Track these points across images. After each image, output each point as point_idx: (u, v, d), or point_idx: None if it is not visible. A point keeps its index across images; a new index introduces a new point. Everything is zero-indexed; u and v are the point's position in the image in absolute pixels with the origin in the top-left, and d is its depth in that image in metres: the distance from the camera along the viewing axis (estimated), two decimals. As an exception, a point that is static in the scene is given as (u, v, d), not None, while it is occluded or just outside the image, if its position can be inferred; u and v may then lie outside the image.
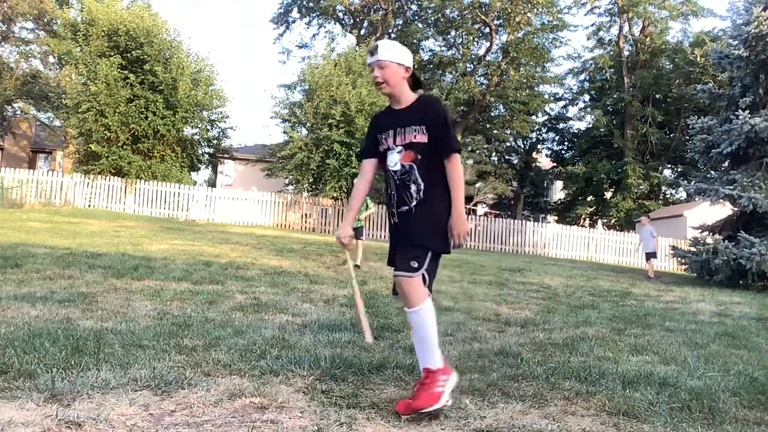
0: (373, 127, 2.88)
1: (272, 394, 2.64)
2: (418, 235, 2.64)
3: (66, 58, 20.76)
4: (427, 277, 2.62)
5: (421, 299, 2.57)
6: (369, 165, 2.87)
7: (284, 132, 21.33)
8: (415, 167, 2.67)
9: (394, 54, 2.69)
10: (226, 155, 25.06)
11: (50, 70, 27.55)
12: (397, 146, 2.73)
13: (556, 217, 36.21)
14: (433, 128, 2.67)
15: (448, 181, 2.67)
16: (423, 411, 2.44)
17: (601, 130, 32.46)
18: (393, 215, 2.75)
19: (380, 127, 2.81)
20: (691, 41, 31.20)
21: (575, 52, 55.88)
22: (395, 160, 2.71)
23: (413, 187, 2.66)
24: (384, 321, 4.66)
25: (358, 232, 9.46)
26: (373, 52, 2.70)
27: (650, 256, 13.45)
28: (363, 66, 21.07)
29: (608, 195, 33.35)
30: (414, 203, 2.66)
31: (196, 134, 21.44)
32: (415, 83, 2.79)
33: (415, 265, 2.57)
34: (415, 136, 2.67)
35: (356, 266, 9.11)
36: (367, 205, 9.70)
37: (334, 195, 20.17)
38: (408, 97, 2.76)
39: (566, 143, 37.62)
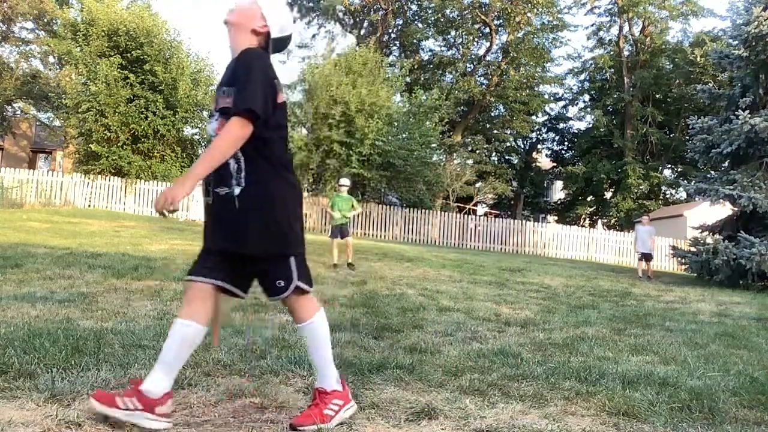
0: None
1: (272, 394, 2.64)
2: (267, 240, 2.19)
3: (66, 58, 20.77)
4: (305, 286, 2.28)
5: (310, 312, 2.32)
6: None
7: (284, 132, 21.31)
8: None
9: (268, 3, 2.30)
10: (226, 155, 25.03)
11: (50, 70, 27.56)
12: (216, 113, 2.27)
13: (556, 217, 36.21)
14: (235, 87, 2.17)
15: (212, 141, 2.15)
16: (304, 428, 2.23)
17: (601, 130, 32.47)
18: (208, 194, 2.27)
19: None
20: (691, 41, 31.20)
21: (575, 52, 56.02)
22: (213, 128, 2.26)
23: (232, 163, 2.18)
24: (384, 321, 4.66)
25: (344, 231, 9.44)
26: None
27: (648, 257, 13.38)
28: (363, 66, 21.07)
29: (608, 195, 33.36)
30: (237, 189, 2.18)
31: (196, 134, 21.46)
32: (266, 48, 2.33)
33: (282, 284, 2.24)
34: (225, 100, 2.20)
35: (350, 264, 9.14)
36: (353, 205, 9.72)
37: (332, 195, 20.16)
38: (237, 51, 2.27)
39: (566, 143, 37.64)
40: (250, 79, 2.14)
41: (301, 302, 2.31)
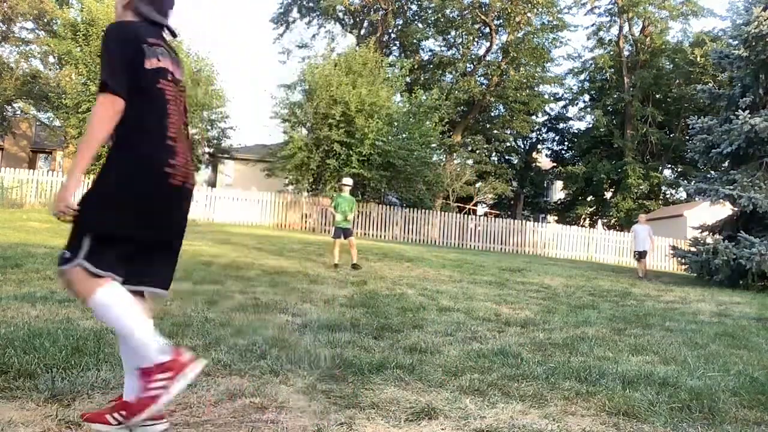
0: None
1: (272, 394, 2.64)
2: (81, 204, 2.05)
3: (66, 58, 20.76)
4: (91, 267, 2.03)
5: (90, 290, 2.03)
6: None
7: (284, 132, 21.36)
8: None
9: None
10: (226, 155, 25.06)
11: (50, 70, 27.54)
12: None
13: (556, 217, 36.21)
14: None
15: None
16: (137, 418, 2.00)
17: (601, 130, 32.48)
18: None
19: None
20: (691, 41, 31.21)
21: (575, 52, 56.07)
22: None
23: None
24: (384, 321, 4.66)
25: (347, 231, 9.37)
26: None
27: (644, 255, 13.48)
28: (363, 66, 21.07)
29: (608, 195, 33.36)
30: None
31: (196, 134, 21.45)
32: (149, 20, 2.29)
33: (67, 255, 2.07)
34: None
35: (355, 265, 8.98)
36: (351, 207, 9.57)
37: (334, 195, 20.17)
38: None
39: (566, 143, 37.64)
40: (102, 52, 2.12)
41: (77, 281, 2.05)
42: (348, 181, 10.12)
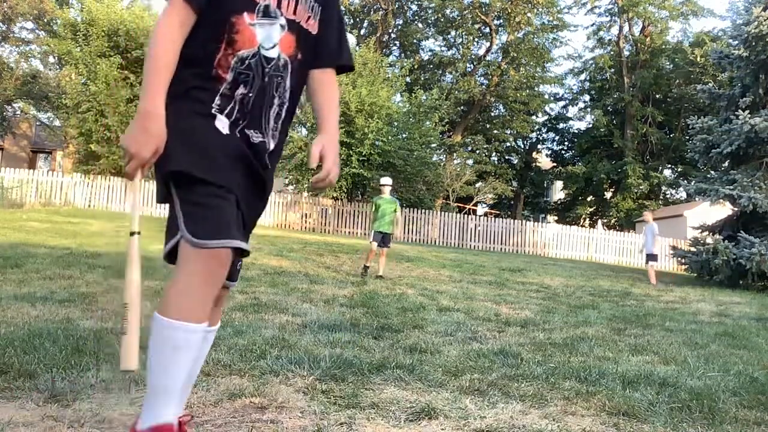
0: None
1: (272, 394, 2.64)
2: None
3: (66, 58, 20.76)
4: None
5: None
6: (191, 18, 1.49)
7: (284, 132, 21.34)
8: (290, 66, 1.58)
9: None
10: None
11: (50, 70, 27.58)
12: (282, 15, 1.55)
13: (556, 217, 36.22)
14: (331, 17, 1.67)
15: (329, 103, 1.66)
16: None
17: (601, 130, 32.49)
18: (244, 136, 1.53)
19: None
20: (691, 41, 31.24)
21: (575, 52, 56.18)
22: (274, 39, 1.54)
23: (277, 102, 1.58)
24: (384, 321, 4.65)
25: (386, 239, 8.46)
26: None
27: (651, 258, 11.86)
28: (363, 66, 21.06)
29: (608, 195, 33.38)
30: (272, 140, 1.60)
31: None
32: None
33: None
34: (309, 17, 1.61)
35: (379, 276, 8.15)
36: (395, 210, 8.56)
37: (334, 195, 20.19)
38: None
39: (566, 143, 37.67)
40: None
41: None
42: (387, 180, 8.91)
